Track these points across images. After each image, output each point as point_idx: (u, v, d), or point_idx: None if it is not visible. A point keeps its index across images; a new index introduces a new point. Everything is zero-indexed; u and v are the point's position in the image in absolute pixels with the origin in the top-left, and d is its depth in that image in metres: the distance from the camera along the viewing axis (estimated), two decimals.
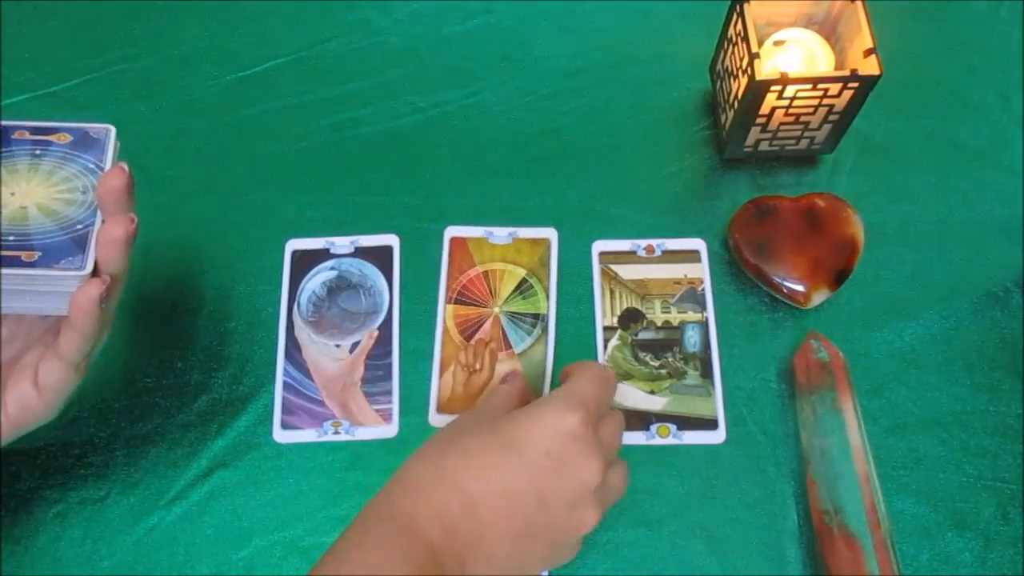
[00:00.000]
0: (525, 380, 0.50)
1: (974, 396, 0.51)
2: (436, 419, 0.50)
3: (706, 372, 0.52)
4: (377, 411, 0.51)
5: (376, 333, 0.53)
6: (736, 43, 0.52)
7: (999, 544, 0.47)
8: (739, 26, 0.51)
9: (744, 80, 0.50)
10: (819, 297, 0.52)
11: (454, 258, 0.55)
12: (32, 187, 0.40)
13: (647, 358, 0.52)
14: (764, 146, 0.56)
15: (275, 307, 0.53)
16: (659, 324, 0.53)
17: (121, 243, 0.39)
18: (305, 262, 0.54)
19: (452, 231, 0.55)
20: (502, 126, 0.59)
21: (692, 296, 0.54)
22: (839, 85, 0.49)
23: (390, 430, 0.50)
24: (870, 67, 0.49)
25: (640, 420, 0.50)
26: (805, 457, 0.48)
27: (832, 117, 0.52)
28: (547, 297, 0.54)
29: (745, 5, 0.50)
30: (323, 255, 0.55)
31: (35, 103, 0.59)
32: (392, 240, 0.55)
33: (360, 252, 0.55)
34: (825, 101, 0.50)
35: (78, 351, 0.40)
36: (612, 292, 0.54)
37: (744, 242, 0.53)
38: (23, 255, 0.38)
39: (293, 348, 0.52)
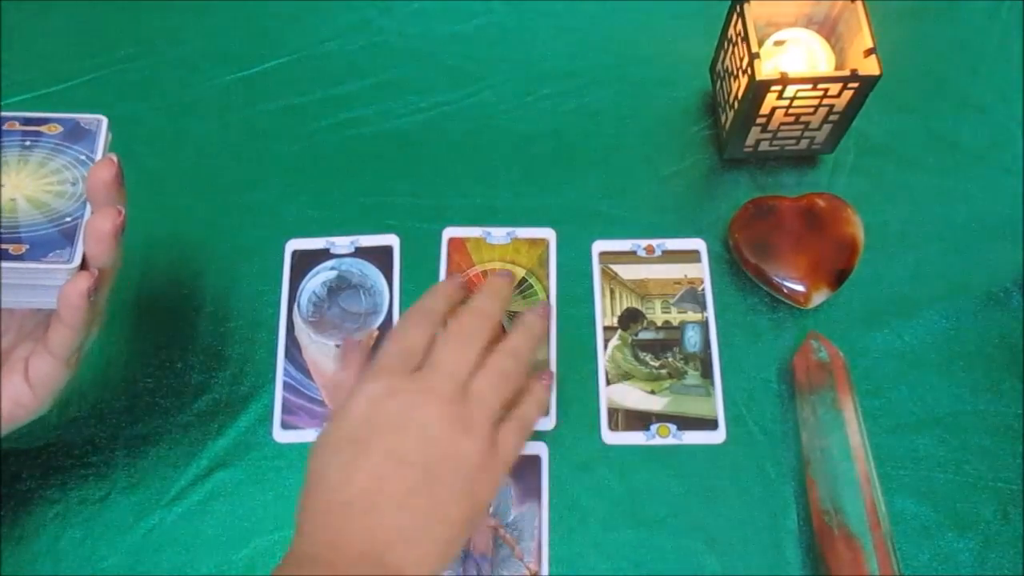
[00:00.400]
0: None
1: (974, 396, 0.51)
2: None
3: (706, 372, 0.52)
4: None
5: (376, 333, 0.53)
6: (736, 43, 0.52)
7: (999, 544, 0.47)
8: (739, 26, 0.51)
9: (744, 80, 0.50)
10: (819, 297, 0.52)
11: (452, 259, 0.55)
12: (22, 179, 0.39)
13: (647, 358, 0.52)
14: (764, 146, 0.56)
15: (275, 307, 0.53)
16: (659, 324, 0.53)
17: (108, 236, 0.38)
18: (305, 262, 0.54)
19: (450, 232, 0.55)
20: (502, 126, 0.59)
21: (692, 296, 0.54)
22: (839, 85, 0.49)
23: None
24: (870, 67, 0.49)
25: (640, 420, 0.50)
26: (805, 457, 0.48)
27: (832, 117, 0.52)
28: (547, 298, 0.54)
29: (745, 5, 0.50)
30: (323, 255, 0.55)
31: (35, 103, 0.59)
32: (392, 240, 0.55)
33: (360, 252, 0.55)
34: (825, 101, 0.50)
35: (67, 345, 0.39)
36: (612, 292, 0.54)
37: (744, 242, 0.53)
38: (11, 248, 0.38)
39: (293, 348, 0.52)
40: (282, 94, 0.60)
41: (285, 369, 0.51)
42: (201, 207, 0.56)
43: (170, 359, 0.52)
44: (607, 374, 0.52)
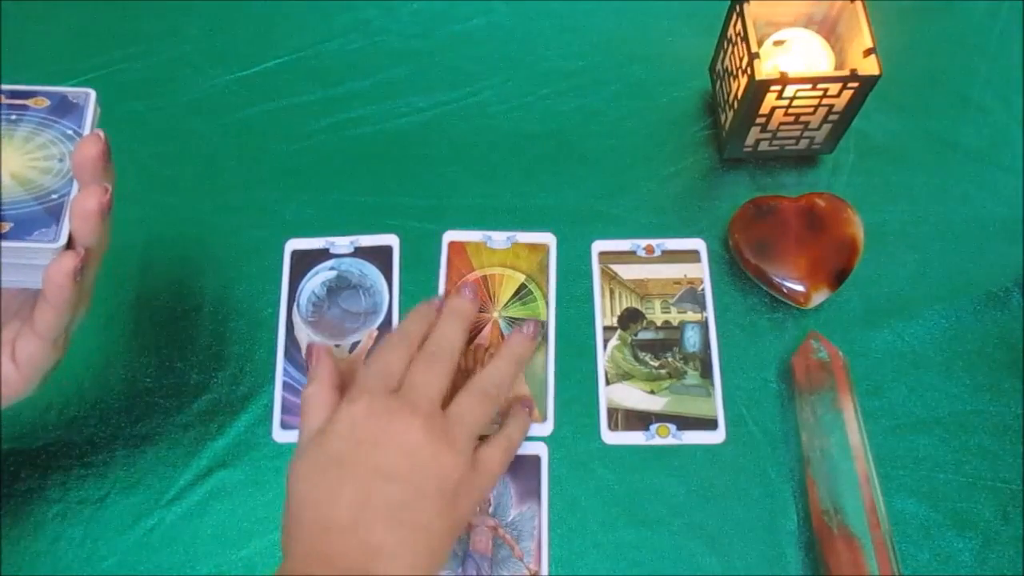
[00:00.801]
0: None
1: (974, 396, 0.51)
2: None
3: (706, 372, 0.52)
4: None
5: (376, 333, 0.53)
6: (736, 43, 0.52)
7: (999, 544, 0.47)
8: (739, 26, 0.51)
9: (744, 80, 0.50)
10: (819, 297, 0.52)
11: (452, 262, 0.55)
12: (7, 154, 0.38)
13: (647, 358, 0.52)
14: (764, 146, 0.56)
15: (275, 307, 0.53)
16: (659, 324, 0.53)
17: (94, 215, 0.37)
18: (305, 262, 0.54)
19: (450, 235, 0.55)
20: (502, 126, 0.59)
21: (692, 296, 0.54)
22: (839, 85, 0.49)
23: None
24: (870, 67, 0.49)
25: (640, 420, 0.50)
26: (805, 457, 0.48)
27: (832, 117, 0.52)
28: (547, 304, 0.54)
29: (745, 5, 0.50)
30: (323, 255, 0.55)
31: None
32: (392, 240, 0.55)
33: (360, 252, 0.55)
34: (825, 101, 0.50)
35: (54, 326, 0.39)
36: (612, 292, 0.54)
37: (744, 242, 0.53)
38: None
39: (293, 348, 0.52)
40: (282, 94, 0.60)
41: (285, 369, 0.51)
42: (201, 207, 0.56)
43: (170, 359, 0.52)
44: (607, 374, 0.52)
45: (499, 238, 0.55)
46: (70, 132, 0.39)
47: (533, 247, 0.55)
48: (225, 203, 0.56)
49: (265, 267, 0.54)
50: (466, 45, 0.62)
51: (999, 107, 0.59)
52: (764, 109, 0.51)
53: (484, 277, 0.54)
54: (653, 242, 0.55)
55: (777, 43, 0.54)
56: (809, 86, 0.49)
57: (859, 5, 0.51)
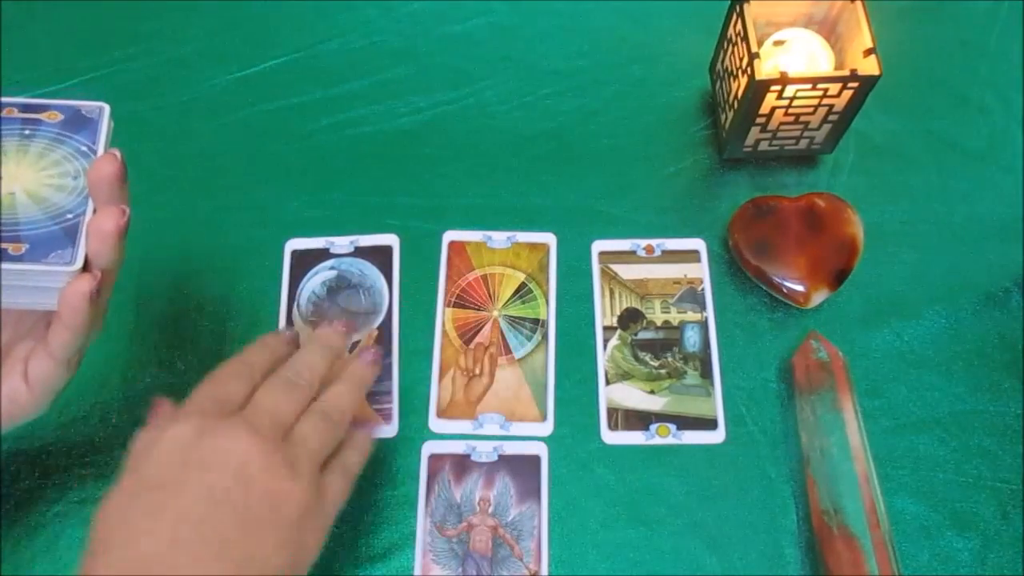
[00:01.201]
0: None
1: (974, 396, 0.51)
2: (436, 424, 0.50)
3: (706, 372, 0.52)
4: (377, 411, 0.50)
5: (376, 333, 0.53)
6: (736, 43, 0.52)
7: (999, 544, 0.47)
8: (739, 26, 0.51)
9: (744, 80, 0.50)
10: (819, 297, 0.52)
11: (452, 262, 0.55)
12: (21, 171, 0.37)
13: (647, 358, 0.52)
14: (764, 146, 0.56)
15: (275, 307, 0.53)
16: (659, 324, 0.53)
17: (111, 236, 0.37)
18: (305, 262, 0.54)
19: (451, 235, 0.55)
20: (502, 126, 0.59)
21: (692, 296, 0.54)
22: (839, 85, 0.49)
23: (390, 430, 0.50)
24: (870, 67, 0.49)
25: (640, 420, 0.50)
26: (805, 457, 0.48)
27: (832, 117, 0.52)
28: (547, 303, 0.54)
29: (745, 5, 0.50)
30: (323, 255, 0.55)
31: None
32: (392, 240, 0.55)
33: (360, 252, 0.55)
34: (825, 101, 0.50)
35: (68, 347, 0.38)
36: (612, 292, 0.54)
37: (744, 242, 0.53)
38: (10, 247, 0.35)
39: None
40: (282, 94, 0.60)
41: None
42: (201, 207, 0.56)
43: (170, 359, 0.52)
44: (606, 374, 0.52)
45: (499, 238, 0.55)
46: (84, 148, 0.39)
47: (533, 247, 0.55)
48: (225, 203, 0.56)
49: (265, 267, 0.54)
50: (466, 45, 0.62)
51: (999, 107, 0.59)
52: (764, 109, 0.51)
53: (484, 276, 0.54)
54: (653, 242, 0.55)
55: (777, 43, 0.54)
56: (809, 86, 0.49)
57: (859, 5, 0.51)
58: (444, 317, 0.53)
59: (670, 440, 0.50)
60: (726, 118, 0.55)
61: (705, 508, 0.48)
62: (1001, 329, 0.53)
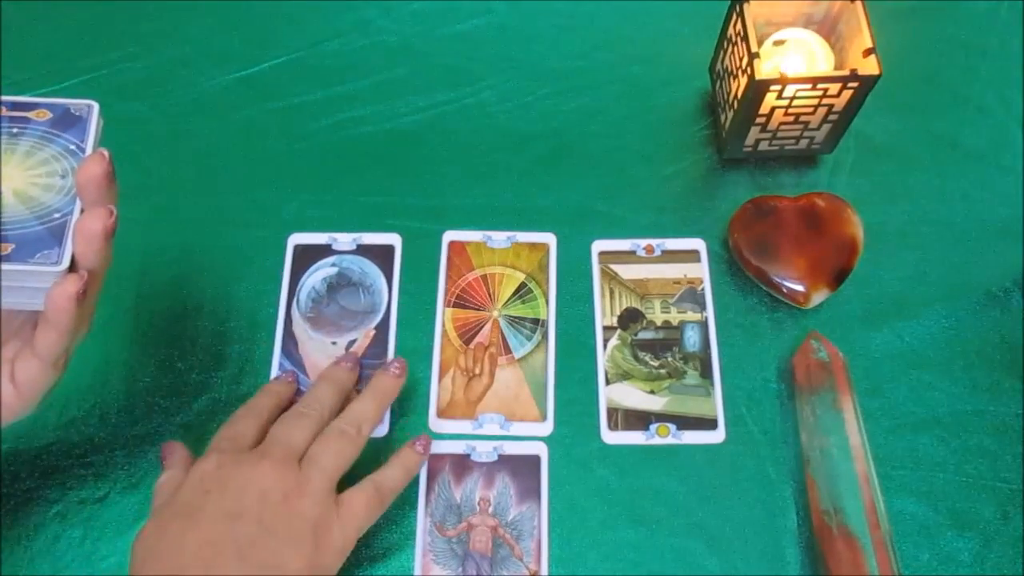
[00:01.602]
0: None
1: (974, 396, 0.51)
2: (436, 424, 0.50)
3: (706, 372, 0.52)
4: None
5: (373, 332, 0.53)
6: (736, 43, 0.52)
7: (999, 544, 0.47)
8: (739, 26, 0.51)
9: (744, 80, 0.50)
10: (819, 297, 0.52)
11: (452, 262, 0.55)
12: (9, 170, 0.36)
13: (647, 358, 0.52)
14: (764, 146, 0.56)
15: (275, 307, 0.53)
16: (659, 324, 0.53)
17: (99, 237, 0.36)
18: (307, 257, 0.54)
19: (450, 235, 0.55)
20: (502, 126, 0.59)
21: (692, 296, 0.54)
22: (839, 85, 0.49)
23: (381, 428, 0.50)
24: (870, 67, 0.49)
25: (640, 420, 0.50)
26: (805, 457, 0.48)
27: (832, 117, 0.52)
28: (547, 303, 0.54)
29: (745, 5, 0.50)
30: (325, 251, 0.55)
31: None
32: (395, 239, 0.55)
33: (362, 249, 0.55)
34: (825, 101, 0.50)
35: (54, 348, 0.38)
36: (612, 292, 0.54)
37: (744, 242, 0.53)
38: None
39: (290, 343, 0.52)
40: (282, 94, 0.60)
41: (281, 364, 0.51)
42: (201, 207, 0.56)
43: (170, 359, 0.52)
44: (606, 374, 0.52)
45: (499, 238, 0.55)
46: (72, 147, 0.38)
47: (533, 247, 0.55)
48: (225, 203, 0.56)
49: (265, 267, 0.54)
50: (466, 45, 0.62)
51: (999, 107, 0.59)
52: (764, 109, 0.51)
53: (484, 276, 0.54)
54: (653, 242, 0.55)
55: (777, 43, 0.54)
56: (809, 86, 0.49)
57: (859, 5, 0.51)
58: (444, 317, 0.53)
59: (670, 440, 0.50)
60: (726, 118, 0.55)
61: (705, 508, 0.48)
62: (1001, 329, 0.53)
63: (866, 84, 0.49)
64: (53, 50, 0.61)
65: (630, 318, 0.53)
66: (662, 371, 0.52)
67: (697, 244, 0.55)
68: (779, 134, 0.54)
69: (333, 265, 0.54)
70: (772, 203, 0.54)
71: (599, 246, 0.55)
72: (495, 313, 0.53)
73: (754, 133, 0.54)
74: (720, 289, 0.54)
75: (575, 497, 0.49)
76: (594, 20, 0.63)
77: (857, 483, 0.45)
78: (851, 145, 0.57)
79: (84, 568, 0.47)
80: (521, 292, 0.54)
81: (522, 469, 0.49)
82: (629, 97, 0.60)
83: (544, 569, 0.47)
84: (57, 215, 0.37)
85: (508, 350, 0.52)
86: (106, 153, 0.37)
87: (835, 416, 0.47)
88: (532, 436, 0.50)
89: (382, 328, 0.53)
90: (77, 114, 0.39)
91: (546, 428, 0.50)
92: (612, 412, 0.51)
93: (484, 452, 0.49)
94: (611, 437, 0.50)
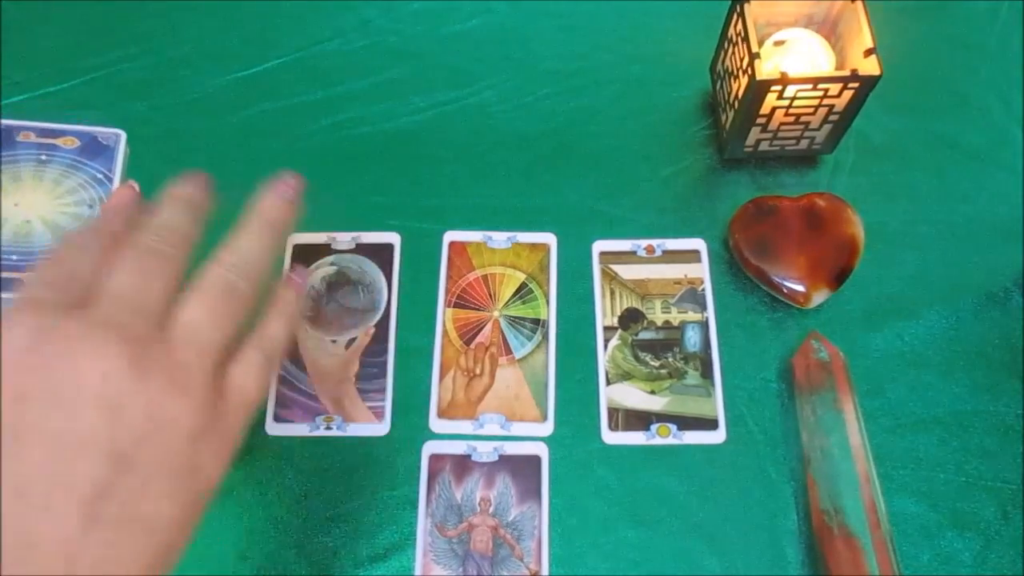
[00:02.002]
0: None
1: (974, 396, 0.51)
2: (437, 424, 0.50)
3: (706, 372, 0.52)
4: (370, 408, 0.50)
5: (373, 330, 0.53)
6: (736, 43, 0.52)
7: (999, 544, 0.47)
8: (739, 26, 0.51)
9: (744, 80, 0.50)
10: (819, 297, 0.52)
11: (453, 262, 0.55)
12: (37, 197, 0.36)
13: (647, 358, 0.52)
14: (764, 146, 0.56)
15: None
16: (659, 324, 0.53)
17: None
18: (306, 256, 0.54)
19: (451, 235, 0.55)
20: (502, 126, 0.59)
21: (692, 296, 0.54)
22: (839, 85, 0.49)
23: (381, 428, 0.50)
24: (870, 67, 0.49)
25: (640, 420, 0.50)
26: (805, 457, 0.48)
27: (832, 117, 0.52)
28: (547, 303, 0.54)
29: (745, 5, 0.50)
30: (324, 250, 0.55)
31: (35, 103, 0.58)
32: (394, 238, 0.55)
33: (361, 248, 0.55)
34: (825, 101, 0.50)
35: None
36: (612, 292, 0.54)
37: (744, 242, 0.53)
38: (24, 277, 0.33)
39: (289, 341, 0.52)
40: (282, 94, 0.60)
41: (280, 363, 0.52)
42: None
43: None
44: (607, 374, 0.52)
45: (499, 238, 0.55)
46: (100, 175, 0.38)
47: (533, 247, 0.55)
48: (225, 203, 0.56)
49: None
50: (466, 45, 0.62)
51: (999, 107, 0.59)
52: (764, 109, 0.51)
53: (484, 276, 0.54)
54: (653, 242, 0.55)
55: (777, 43, 0.54)
56: (809, 86, 0.49)
57: (859, 5, 0.51)
58: (444, 317, 0.53)
59: (670, 440, 0.50)
60: (726, 118, 0.55)
61: (705, 508, 0.48)
62: (1001, 329, 0.53)
63: (867, 84, 0.49)
64: (53, 50, 0.61)
65: (631, 318, 0.53)
66: (663, 371, 0.52)
67: (697, 244, 0.55)
68: (780, 134, 0.54)
69: (332, 264, 0.54)
70: (772, 203, 0.54)
71: (599, 246, 0.55)
72: (495, 313, 0.53)
73: (755, 133, 0.54)
74: (720, 289, 0.54)
75: (576, 497, 0.49)
76: (594, 20, 0.63)
77: (857, 483, 0.45)
78: (851, 145, 0.57)
79: None
80: (521, 292, 0.54)
81: (523, 469, 0.49)
82: (629, 97, 0.60)
83: (545, 569, 0.47)
84: None
85: (508, 350, 0.52)
86: (135, 186, 0.36)
87: (835, 416, 0.47)
88: (532, 436, 0.50)
89: (382, 326, 0.53)
90: (105, 143, 0.39)
91: (547, 428, 0.50)
92: (613, 412, 0.51)
93: (485, 452, 0.49)
94: (612, 437, 0.50)
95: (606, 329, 0.53)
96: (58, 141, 0.38)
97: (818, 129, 0.54)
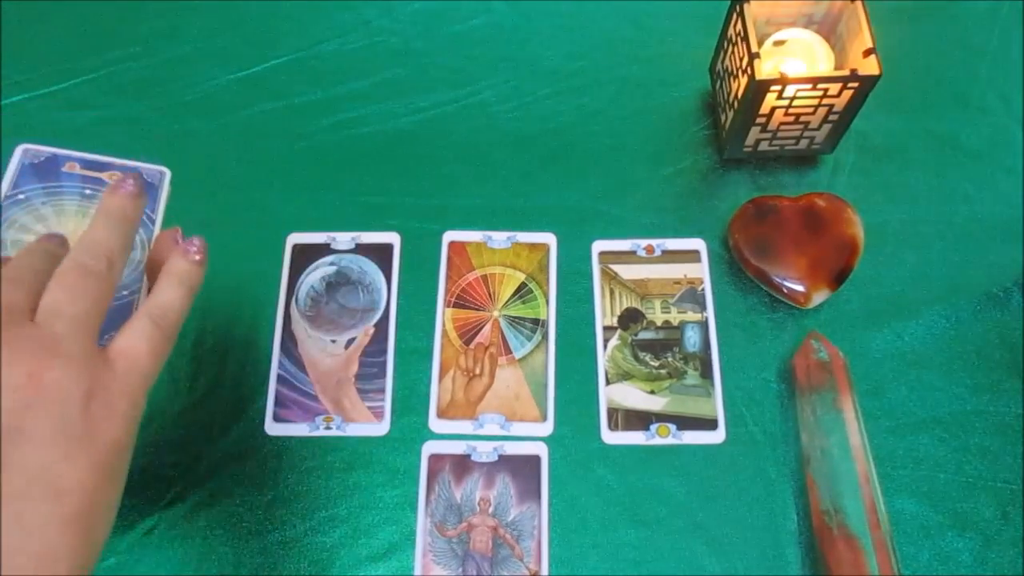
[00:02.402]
0: None
1: (974, 396, 0.51)
2: (437, 424, 0.50)
3: (706, 372, 0.52)
4: (370, 408, 0.51)
5: (372, 330, 0.53)
6: (736, 43, 0.52)
7: (999, 544, 0.47)
8: (739, 26, 0.51)
9: (744, 80, 0.50)
10: (819, 297, 0.52)
11: (453, 262, 0.55)
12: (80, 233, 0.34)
13: (647, 358, 0.52)
14: (764, 146, 0.56)
15: (274, 304, 0.53)
16: (659, 324, 0.53)
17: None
18: (306, 256, 0.54)
19: (451, 235, 0.55)
20: (502, 126, 0.59)
21: (692, 296, 0.54)
22: (839, 85, 0.49)
23: (381, 428, 0.50)
24: (870, 67, 0.49)
25: (640, 420, 0.50)
26: (805, 457, 0.48)
27: (832, 117, 0.52)
28: (547, 303, 0.54)
29: (745, 5, 0.50)
30: (324, 250, 0.55)
31: (35, 103, 0.59)
32: (393, 238, 0.55)
33: (361, 248, 0.55)
34: (825, 101, 0.50)
35: None
36: (612, 292, 0.54)
37: (744, 242, 0.53)
38: None
39: (289, 341, 0.52)
40: (282, 94, 0.60)
41: (280, 362, 0.51)
42: (201, 208, 0.56)
43: (170, 359, 0.52)
44: (607, 374, 0.52)
45: (499, 238, 0.55)
46: (143, 216, 0.36)
47: (533, 247, 0.55)
48: (225, 203, 0.56)
49: (265, 267, 0.54)
50: (466, 45, 0.62)
51: (999, 107, 0.59)
52: (764, 109, 0.51)
53: (484, 276, 0.54)
54: (653, 242, 0.55)
55: (777, 43, 0.54)
56: (809, 86, 0.49)
57: (859, 5, 0.51)
58: (444, 317, 0.53)
59: (670, 440, 0.50)
60: (726, 118, 0.55)
61: (705, 508, 0.48)
62: (1001, 329, 0.53)
63: (866, 84, 0.49)
64: (53, 50, 0.61)
65: (630, 318, 0.53)
66: (662, 371, 0.52)
67: (697, 244, 0.55)
68: (779, 134, 0.54)
69: (332, 264, 0.54)
70: (772, 203, 0.54)
71: (599, 246, 0.55)
72: (495, 313, 0.53)
73: (754, 133, 0.54)
74: (720, 289, 0.54)
75: (575, 497, 0.49)
76: (594, 20, 0.63)
77: (857, 483, 0.45)
78: (851, 145, 0.57)
79: None
80: (521, 292, 0.54)
81: (522, 469, 0.49)
82: (629, 97, 0.60)
83: (544, 569, 0.47)
84: (125, 292, 0.35)
85: (508, 350, 0.52)
86: (180, 233, 0.36)
87: (835, 416, 0.47)
88: (532, 436, 0.50)
89: (381, 326, 0.53)
90: (148, 181, 0.38)
91: (546, 428, 0.50)
92: (612, 412, 0.51)
93: (484, 452, 0.49)
94: (611, 437, 0.50)
95: (606, 329, 0.53)
96: (103, 175, 0.37)
97: (818, 129, 0.54)
